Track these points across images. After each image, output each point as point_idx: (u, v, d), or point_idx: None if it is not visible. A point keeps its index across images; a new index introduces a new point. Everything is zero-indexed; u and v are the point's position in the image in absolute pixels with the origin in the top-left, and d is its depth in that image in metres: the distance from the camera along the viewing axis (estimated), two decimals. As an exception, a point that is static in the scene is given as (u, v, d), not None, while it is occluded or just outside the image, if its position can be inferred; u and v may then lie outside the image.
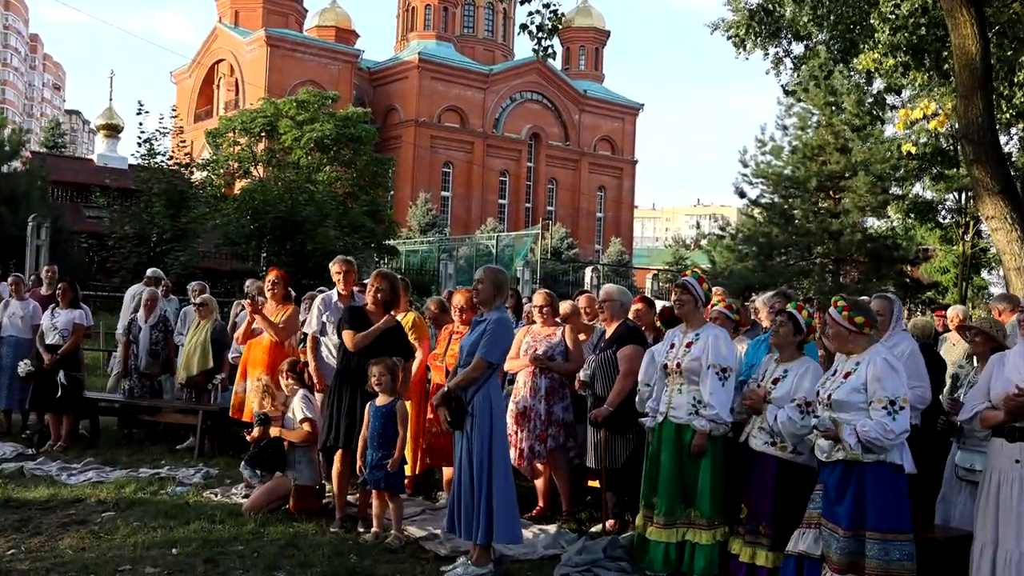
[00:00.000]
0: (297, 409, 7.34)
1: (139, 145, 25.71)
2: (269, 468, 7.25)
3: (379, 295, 6.81)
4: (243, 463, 7.41)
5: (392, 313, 6.78)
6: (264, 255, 24.87)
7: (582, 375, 6.92)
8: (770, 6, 12.42)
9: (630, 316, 7.18)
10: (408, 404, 6.80)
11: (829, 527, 4.89)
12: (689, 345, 5.94)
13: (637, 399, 6.38)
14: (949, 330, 9.95)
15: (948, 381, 7.18)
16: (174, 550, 5.99)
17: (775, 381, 5.54)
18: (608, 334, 7.06)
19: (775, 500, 5.44)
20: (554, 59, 12.58)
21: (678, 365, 5.91)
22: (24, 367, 9.92)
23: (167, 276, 16.37)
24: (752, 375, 5.91)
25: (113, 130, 40.25)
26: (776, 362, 5.65)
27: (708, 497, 5.75)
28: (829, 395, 4.96)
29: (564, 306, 7.74)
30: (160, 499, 7.44)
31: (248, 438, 7.53)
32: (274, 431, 7.35)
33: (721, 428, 5.79)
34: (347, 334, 6.73)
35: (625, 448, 6.69)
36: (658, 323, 7.41)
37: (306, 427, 7.24)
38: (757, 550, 5.47)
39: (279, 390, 7.55)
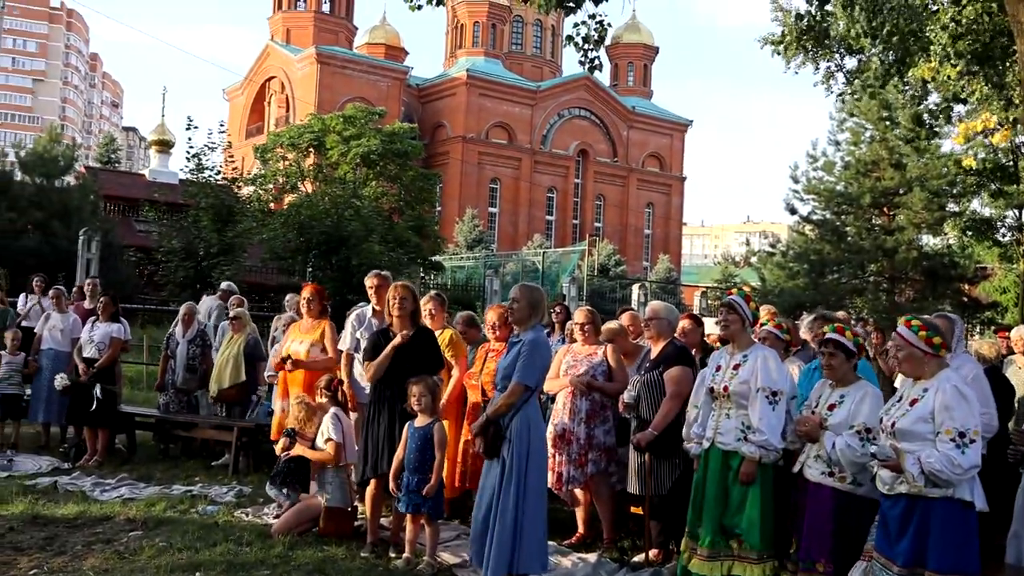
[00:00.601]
0: (324, 428, 7.19)
1: (187, 160, 25.93)
2: (289, 484, 7.12)
3: (404, 305, 6.60)
4: (268, 482, 7.28)
5: (405, 332, 6.55)
6: (310, 270, 24.77)
7: (626, 396, 6.70)
8: (821, 20, 12.07)
9: (676, 334, 6.94)
10: (445, 424, 6.61)
11: (881, 562, 4.62)
12: (737, 367, 5.68)
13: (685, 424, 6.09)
14: (1013, 352, 9.44)
15: (1016, 407, 6.75)
16: (198, 574, 5.81)
17: (831, 407, 5.28)
18: (654, 354, 6.81)
19: (834, 534, 5.12)
20: (600, 71, 12.34)
21: (725, 389, 5.66)
22: (60, 380, 9.87)
23: (213, 290, 16.41)
24: (805, 401, 5.62)
25: (164, 145, 40.77)
26: (831, 387, 5.38)
27: (758, 528, 5.46)
28: (893, 423, 4.66)
29: (610, 326, 7.50)
30: (189, 518, 7.29)
31: (277, 451, 7.39)
32: (298, 449, 7.22)
33: (771, 455, 5.49)
34: (366, 367, 6.63)
35: (671, 474, 6.47)
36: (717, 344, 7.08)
37: (329, 448, 7.07)
38: (813, 588, 5.15)
39: (311, 410, 7.41)
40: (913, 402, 4.66)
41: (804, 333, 7.05)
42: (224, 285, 12.58)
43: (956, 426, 4.45)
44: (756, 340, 6.00)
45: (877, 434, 4.87)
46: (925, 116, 14.92)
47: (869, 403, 5.12)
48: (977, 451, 4.46)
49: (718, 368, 5.80)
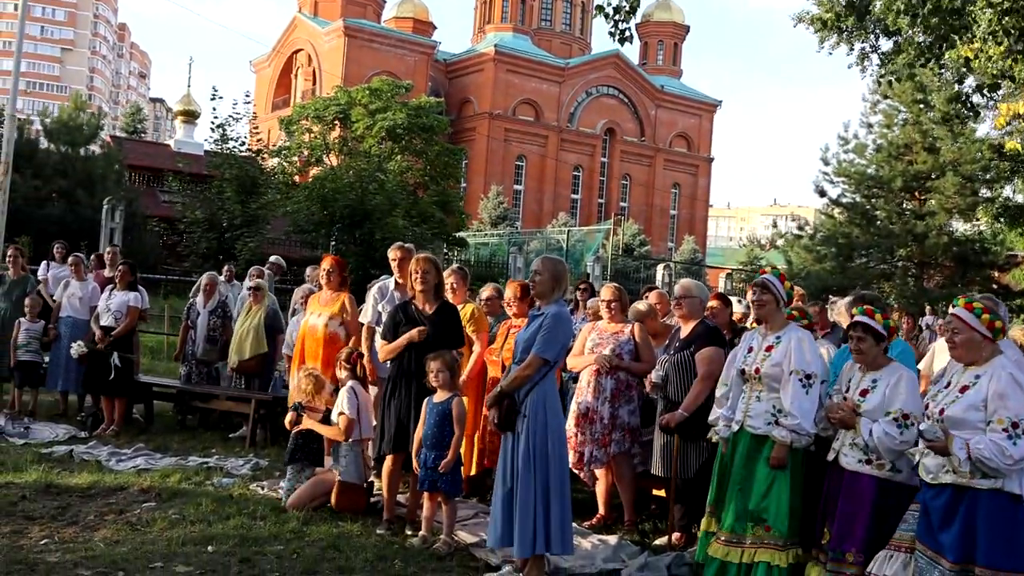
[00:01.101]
0: (339, 402, 7.08)
1: (212, 131, 25.88)
2: (298, 459, 7.08)
3: (427, 278, 6.50)
4: (286, 461, 7.21)
5: (423, 328, 6.45)
6: (333, 243, 24.84)
7: (654, 376, 6.60)
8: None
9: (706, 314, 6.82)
10: (465, 400, 6.52)
11: (928, 555, 4.46)
12: (769, 349, 5.52)
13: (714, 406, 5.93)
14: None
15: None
16: (210, 547, 5.72)
17: (863, 393, 5.13)
18: (685, 333, 6.67)
19: (869, 523, 5.00)
20: (631, 43, 12.06)
21: (757, 370, 5.49)
22: (77, 348, 9.80)
23: (234, 262, 16.40)
24: (834, 385, 5.48)
25: (190, 116, 40.76)
26: (861, 371, 5.23)
27: (786, 515, 5.31)
28: (942, 410, 4.48)
29: (639, 306, 7.40)
30: (204, 490, 7.22)
31: (286, 424, 7.30)
32: (306, 422, 7.14)
33: (803, 439, 5.33)
34: (381, 347, 6.55)
35: (698, 457, 6.38)
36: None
37: (340, 422, 6.96)
38: (841, 579, 5.04)
39: (331, 382, 7.30)
40: (963, 389, 4.48)
41: (840, 316, 6.84)
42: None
43: (1010, 415, 4.27)
44: (791, 321, 5.79)
45: (915, 419, 4.73)
46: (964, 96, 14.57)
47: (905, 387, 4.97)
48: None
49: (750, 349, 5.65)
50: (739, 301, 8.03)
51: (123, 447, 8.80)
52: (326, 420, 7.13)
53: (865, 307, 5.28)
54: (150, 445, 8.98)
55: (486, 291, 8.37)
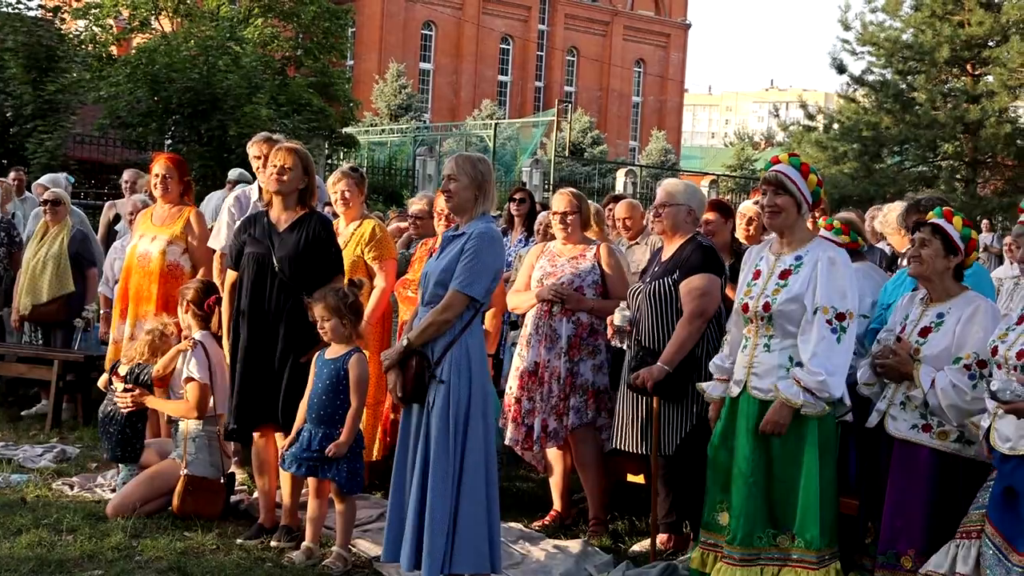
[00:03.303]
0: (185, 364, 7.03)
1: (-22, -21, 25.04)
2: (131, 458, 7.15)
3: (286, 177, 6.41)
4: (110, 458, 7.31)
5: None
6: (168, 141, 24.54)
7: (618, 317, 6.48)
8: None
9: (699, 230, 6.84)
10: (367, 355, 6.51)
11: (996, 542, 4.56)
12: (785, 275, 5.42)
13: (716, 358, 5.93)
14: None
15: None
16: (-11, 579, 5.68)
17: (924, 332, 5.18)
18: (666, 255, 6.60)
19: (929, 514, 5.07)
20: None
21: (766, 307, 5.40)
22: None
23: (25, 168, 15.92)
24: (887, 324, 5.53)
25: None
26: (924, 303, 5.29)
27: (816, 516, 5.29)
28: (1021, 353, 4.50)
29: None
30: (-19, 493, 7.19)
31: (118, 401, 7.19)
32: (149, 400, 7.15)
33: (819, 405, 5.25)
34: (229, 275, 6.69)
35: (682, 425, 6.37)
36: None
37: (189, 393, 6.94)
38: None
39: (167, 343, 7.29)
40: None
41: (889, 231, 6.80)
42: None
43: None
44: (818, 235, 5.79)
45: (993, 369, 4.77)
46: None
47: (982, 322, 5.01)
48: None
49: (756, 275, 5.55)
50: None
51: None
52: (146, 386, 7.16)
53: (944, 208, 5.29)
54: None
55: (416, 204, 8.47)
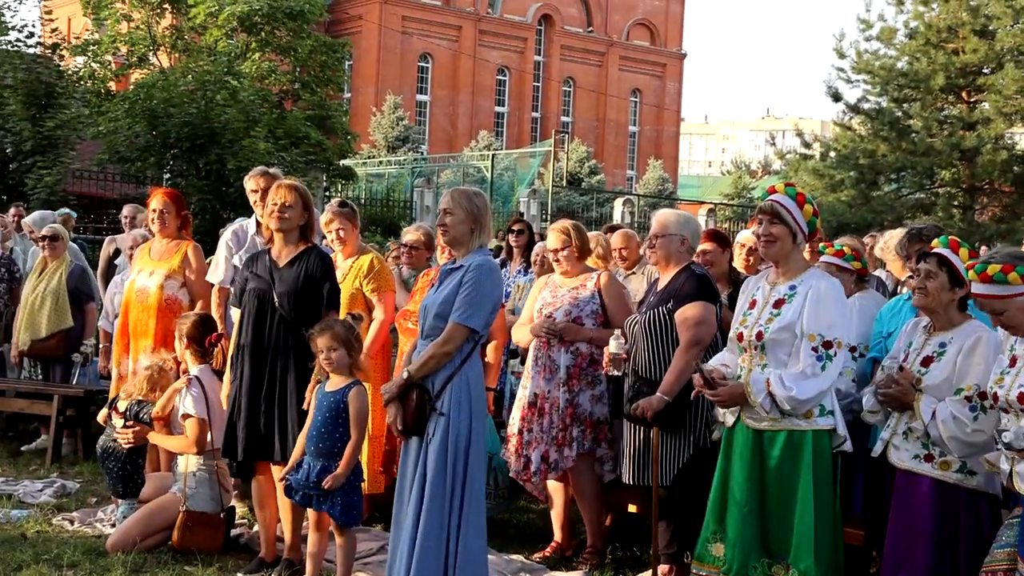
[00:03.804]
0: (181, 400, 7.02)
1: (-15, 17, 25.14)
2: (133, 494, 7.14)
3: (286, 214, 6.42)
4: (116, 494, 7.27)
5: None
6: (167, 175, 24.44)
7: (613, 345, 6.47)
8: None
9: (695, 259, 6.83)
10: (368, 388, 6.48)
11: None
12: (779, 304, 5.41)
13: None
14: None
15: None
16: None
17: (927, 361, 5.18)
18: (661, 285, 6.63)
19: (933, 544, 5.02)
20: None
21: (759, 335, 5.40)
22: None
23: (24, 203, 15.95)
24: (891, 351, 5.54)
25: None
26: (927, 331, 5.28)
27: (811, 545, 5.25)
28: (1021, 395, 4.48)
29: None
30: (-18, 530, 7.16)
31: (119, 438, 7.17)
32: (151, 436, 7.15)
33: (775, 417, 5.25)
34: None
35: (680, 455, 6.38)
36: None
37: (189, 428, 6.92)
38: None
39: (166, 378, 7.32)
40: None
41: (888, 259, 6.85)
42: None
43: None
44: (815, 265, 5.85)
45: (999, 406, 4.70)
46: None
47: (984, 354, 4.98)
48: None
49: (752, 305, 5.55)
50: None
51: None
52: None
53: (950, 238, 5.27)
54: None
55: (410, 234, 8.45)
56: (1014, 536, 4.59)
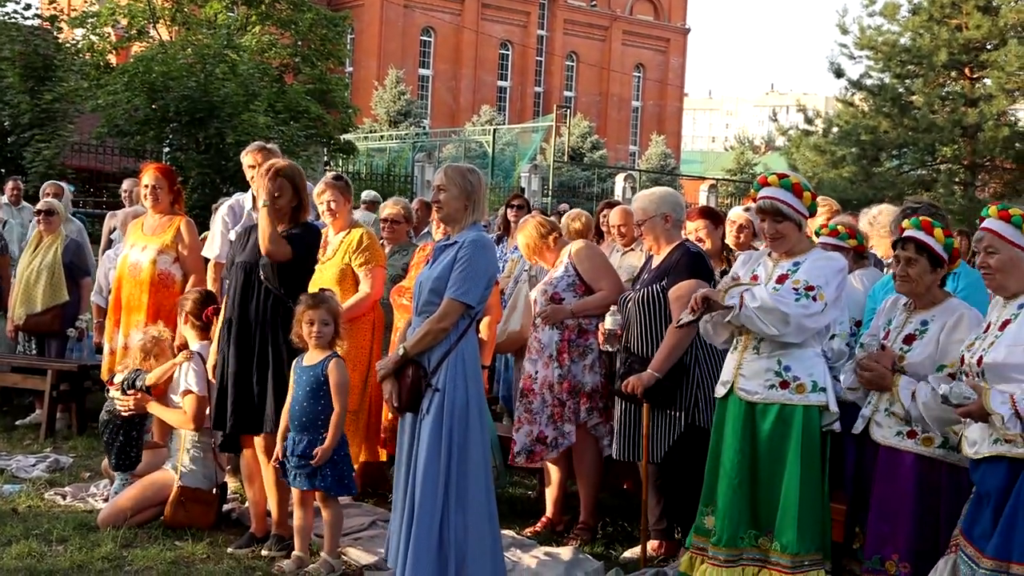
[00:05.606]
0: (182, 375, 6.98)
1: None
2: (129, 467, 7.09)
3: (276, 197, 6.38)
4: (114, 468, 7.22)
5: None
6: (166, 150, 24.42)
7: (608, 321, 6.49)
8: None
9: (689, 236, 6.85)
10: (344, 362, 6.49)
11: (969, 552, 4.53)
12: (782, 279, 5.44)
13: None
14: None
15: None
16: (-21, 590, 5.67)
17: (909, 339, 5.18)
18: (656, 263, 6.62)
19: (915, 520, 5.04)
20: None
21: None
22: None
23: (23, 177, 15.97)
24: (869, 329, 5.58)
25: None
26: (907, 308, 5.27)
27: (794, 519, 5.29)
28: (980, 358, 4.54)
29: (572, 222, 7.73)
30: (-24, 504, 7.16)
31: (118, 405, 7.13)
32: (150, 405, 7.06)
33: (732, 317, 5.27)
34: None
35: (671, 431, 6.37)
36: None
37: (186, 404, 6.90)
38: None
39: (160, 347, 7.25)
40: (1005, 325, 4.55)
41: (880, 234, 6.88)
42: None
43: None
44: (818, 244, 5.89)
45: (961, 376, 4.72)
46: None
47: (966, 332, 4.96)
48: None
49: (753, 279, 5.55)
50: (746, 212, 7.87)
51: None
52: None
53: (921, 219, 5.23)
54: None
55: (389, 208, 8.43)
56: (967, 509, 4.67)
